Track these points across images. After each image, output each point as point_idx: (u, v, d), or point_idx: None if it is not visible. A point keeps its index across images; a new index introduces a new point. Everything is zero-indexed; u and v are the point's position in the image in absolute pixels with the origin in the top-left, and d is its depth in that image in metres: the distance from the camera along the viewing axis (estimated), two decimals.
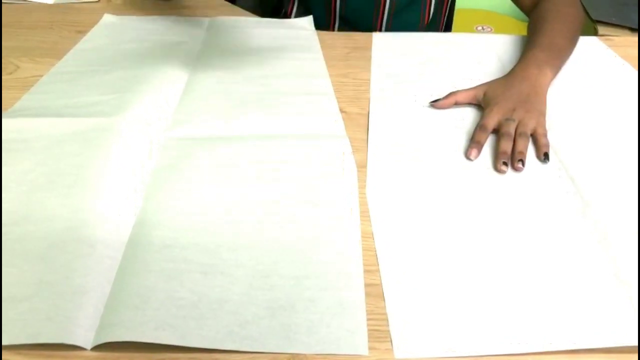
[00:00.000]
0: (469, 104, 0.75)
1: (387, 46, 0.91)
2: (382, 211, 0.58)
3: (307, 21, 0.97)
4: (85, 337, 0.45)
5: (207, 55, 0.87)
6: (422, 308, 0.48)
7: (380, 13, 0.99)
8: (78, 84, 0.78)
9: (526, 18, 0.93)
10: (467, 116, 0.73)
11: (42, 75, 0.81)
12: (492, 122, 0.68)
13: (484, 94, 0.73)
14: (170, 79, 0.79)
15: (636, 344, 0.46)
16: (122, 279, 0.50)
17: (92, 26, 0.94)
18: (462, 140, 0.69)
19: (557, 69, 0.76)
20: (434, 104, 0.74)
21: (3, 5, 1.01)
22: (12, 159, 0.63)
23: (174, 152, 0.66)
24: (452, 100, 0.73)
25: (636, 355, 0.46)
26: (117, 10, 1.02)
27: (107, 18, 0.96)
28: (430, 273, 0.51)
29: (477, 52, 0.90)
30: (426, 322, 0.47)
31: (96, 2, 1.04)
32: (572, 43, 0.82)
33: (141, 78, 0.78)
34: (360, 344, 0.46)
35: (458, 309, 0.48)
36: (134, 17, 0.96)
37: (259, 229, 0.55)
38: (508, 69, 0.78)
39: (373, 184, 0.62)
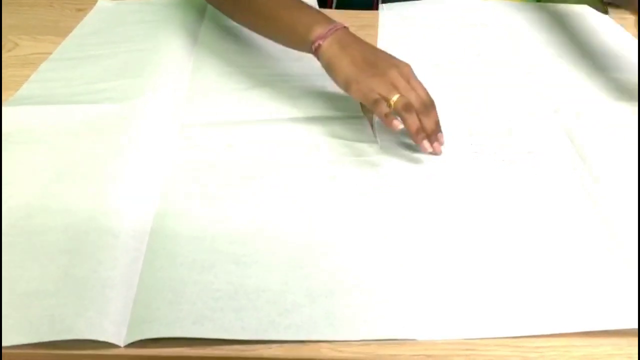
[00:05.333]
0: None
1: (394, 21, 0.89)
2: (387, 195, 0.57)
3: (310, 1, 0.94)
4: (118, 333, 0.43)
5: (209, 38, 0.84)
6: (431, 292, 0.47)
7: None
8: (81, 70, 0.76)
9: None
10: (475, 97, 0.72)
11: (42, 53, 0.80)
12: None
13: None
14: (176, 63, 0.77)
15: (636, 326, 0.44)
16: (150, 271, 0.48)
17: (93, 4, 0.93)
18: (469, 123, 0.67)
19: None
20: None
21: None
22: (21, 150, 0.61)
23: (191, 137, 0.64)
24: None
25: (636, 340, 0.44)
26: None
27: (102, 3, 0.93)
28: (438, 259, 0.50)
29: (485, 20, 0.89)
30: (434, 306, 0.46)
31: None
32: None
33: (146, 62, 0.76)
34: (409, 327, 0.44)
35: (465, 292, 0.47)
36: (129, 1, 0.94)
37: (291, 215, 0.54)
38: (515, 35, 0.76)
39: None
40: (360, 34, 0.84)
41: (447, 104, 0.70)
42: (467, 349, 0.43)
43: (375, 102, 0.58)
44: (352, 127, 0.65)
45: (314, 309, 0.45)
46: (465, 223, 0.54)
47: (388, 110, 0.58)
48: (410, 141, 0.63)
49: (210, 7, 0.90)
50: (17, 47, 0.82)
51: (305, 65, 0.75)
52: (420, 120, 0.60)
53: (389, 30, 0.86)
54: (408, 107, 0.59)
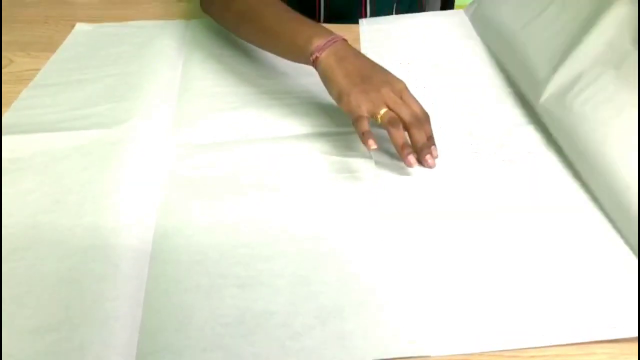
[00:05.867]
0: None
1: (375, 34, 0.89)
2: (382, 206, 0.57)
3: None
4: None
5: (194, 57, 0.83)
6: (435, 305, 0.47)
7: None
8: (65, 96, 0.74)
9: None
10: (474, 98, 0.72)
11: (37, 69, 0.80)
12: None
13: None
14: (163, 84, 0.77)
15: (636, 334, 0.45)
16: (154, 299, 0.48)
17: (88, 21, 0.93)
18: (469, 123, 0.68)
19: None
20: None
21: None
22: (9, 180, 0.60)
23: (184, 160, 0.63)
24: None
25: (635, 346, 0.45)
26: (111, 6, 1.00)
27: (80, 27, 0.92)
28: (439, 269, 0.51)
29: (466, 29, 0.90)
30: (440, 321, 0.46)
31: None
32: None
33: (131, 85, 0.76)
34: (424, 343, 0.44)
35: (467, 303, 0.48)
36: (108, 24, 0.93)
37: (291, 235, 0.54)
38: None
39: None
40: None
41: (447, 104, 0.71)
42: (462, 359, 0.44)
43: (358, 118, 0.60)
44: (347, 143, 0.66)
45: (325, 330, 0.45)
46: (465, 225, 0.55)
47: (367, 128, 0.59)
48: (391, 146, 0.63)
49: (190, 27, 0.91)
50: (12, 64, 0.83)
51: (293, 83, 0.77)
52: (411, 134, 0.61)
53: (370, 44, 0.87)
54: (394, 121, 0.59)
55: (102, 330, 0.44)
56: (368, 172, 0.61)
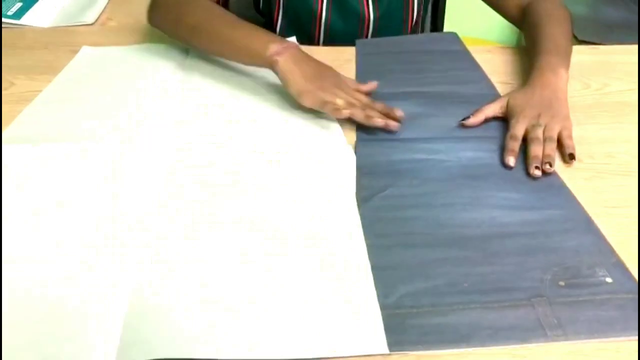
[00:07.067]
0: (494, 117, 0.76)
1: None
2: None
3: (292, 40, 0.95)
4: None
5: (194, 79, 0.86)
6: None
7: (366, 26, 1.01)
8: (68, 112, 0.77)
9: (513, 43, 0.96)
10: None
11: (37, 91, 0.82)
12: (521, 130, 0.70)
13: (507, 105, 0.75)
14: (161, 104, 0.79)
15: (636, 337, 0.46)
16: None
17: (89, 46, 0.95)
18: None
19: (568, 68, 0.78)
20: (464, 122, 0.74)
21: None
22: (11, 187, 0.62)
23: (183, 161, 0.67)
24: (482, 116, 0.75)
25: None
26: (110, 33, 1.03)
27: (85, 50, 0.94)
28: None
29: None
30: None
31: (91, 24, 1.05)
32: (571, 41, 0.85)
33: (132, 103, 0.79)
34: (378, 342, 0.46)
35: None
36: (112, 47, 0.95)
37: (290, 233, 0.56)
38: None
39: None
40: (346, 67, 0.89)
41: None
42: (458, 352, 0.44)
43: (325, 103, 0.73)
44: (334, 156, 0.69)
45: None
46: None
47: (337, 106, 0.72)
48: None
49: (191, 50, 0.92)
50: (13, 86, 0.84)
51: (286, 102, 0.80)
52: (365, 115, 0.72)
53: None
54: (351, 104, 0.73)
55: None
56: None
